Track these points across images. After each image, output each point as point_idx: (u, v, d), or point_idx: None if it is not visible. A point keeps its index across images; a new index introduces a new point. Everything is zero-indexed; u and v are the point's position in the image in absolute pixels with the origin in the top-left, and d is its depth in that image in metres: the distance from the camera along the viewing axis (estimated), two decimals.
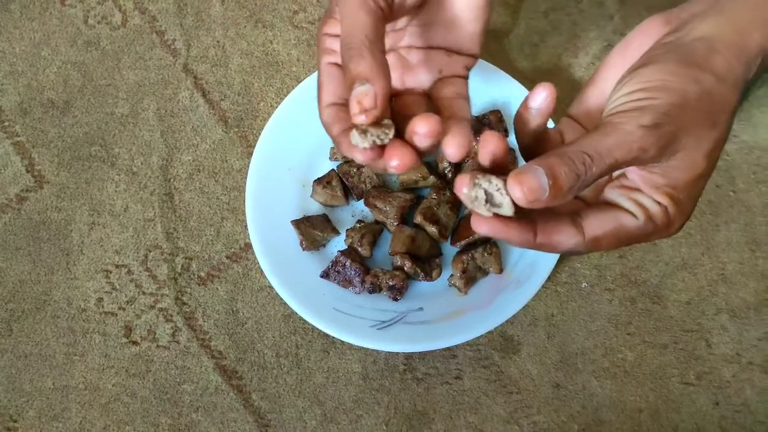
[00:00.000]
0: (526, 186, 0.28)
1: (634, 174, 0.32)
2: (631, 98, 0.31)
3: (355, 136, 0.31)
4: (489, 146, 0.30)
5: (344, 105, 0.33)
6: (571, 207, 0.34)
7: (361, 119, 0.30)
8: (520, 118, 0.33)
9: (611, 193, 0.33)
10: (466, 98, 0.38)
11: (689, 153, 0.31)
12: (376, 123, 0.31)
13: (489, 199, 0.29)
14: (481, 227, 0.30)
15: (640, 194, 0.32)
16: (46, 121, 0.62)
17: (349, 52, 0.31)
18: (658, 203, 0.32)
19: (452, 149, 0.32)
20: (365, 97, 0.30)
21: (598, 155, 0.28)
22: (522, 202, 0.28)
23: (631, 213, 0.32)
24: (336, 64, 0.35)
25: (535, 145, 0.34)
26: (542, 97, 0.31)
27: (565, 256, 0.56)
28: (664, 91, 0.30)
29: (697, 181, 0.32)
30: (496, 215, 0.30)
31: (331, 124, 0.34)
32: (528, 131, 0.33)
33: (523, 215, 0.30)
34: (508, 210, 0.29)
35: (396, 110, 0.36)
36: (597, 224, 0.32)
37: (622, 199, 0.32)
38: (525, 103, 0.32)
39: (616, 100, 0.31)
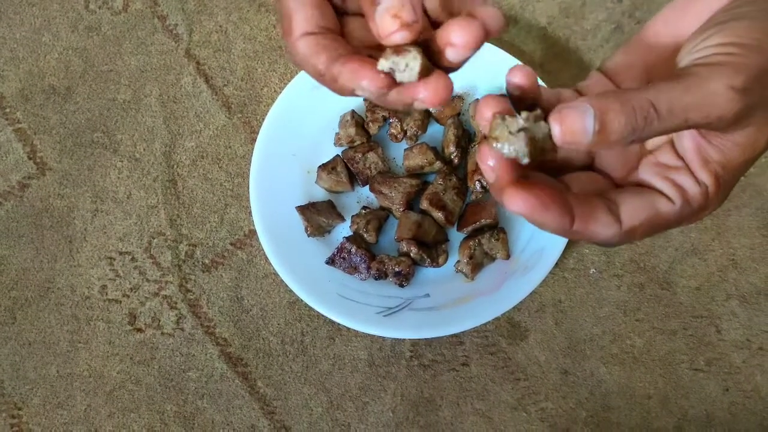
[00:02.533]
0: (567, 125, 0.24)
1: (689, 141, 0.28)
2: (722, 51, 0.25)
3: (386, 61, 0.25)
4: (516, 79, 0.26)
5: (325, 33, 0.28)
6: (598, 186, 0.30)
7: (400, 37, 0.25)
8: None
9: (645, 172, 0.30)
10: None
11: (756, 130, 0.27)
12: (398, 48, 0.25)
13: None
14: (515, 203, 0.26)
15: (680, 173, 0.29)
16: (47, 107, 0.61)
17: None
18: (698, 183, 0.28)
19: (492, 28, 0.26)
20: (403, 9, 0.24)
21: (668, 111, 0.24)
22: (557, 140, 0.24)
23: (668, 197, 0.28)
24: None
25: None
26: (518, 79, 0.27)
27: (573, 242, 0.55)
28: (758, 52, 0.25)
29: (748, 163, 0.28)
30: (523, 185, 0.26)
31: (313, 55, 0.27)
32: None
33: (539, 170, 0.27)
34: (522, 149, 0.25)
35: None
36: (633, 212, 0.28)
37: (658, 180, 0.29)
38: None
39: (699, 50, 0.26)
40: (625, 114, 0.24)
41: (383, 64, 0.25)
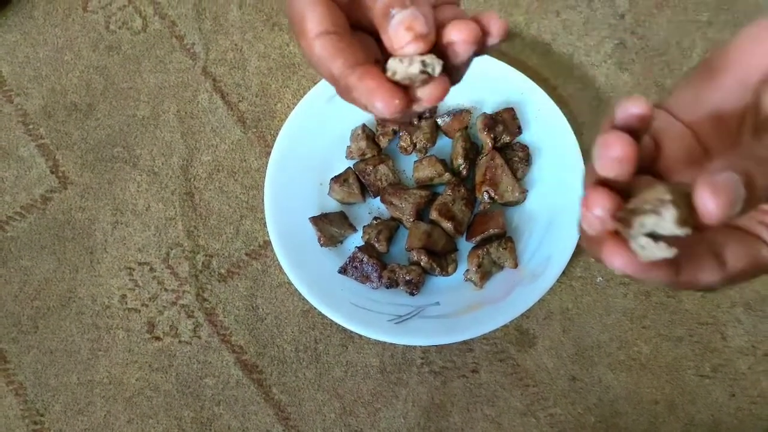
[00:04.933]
0: (723, 197, 0.20)
1: None
2: None
3: (398, 63, 0.25)
4: (613, 151, 0.23)
5: (341, 34, 0.27)
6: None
7: (413, 49, 0.25)
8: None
9: (747, 220, 0.27)
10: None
11: None
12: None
13: (652, 234, 0.22)
14: (618, 261, 0.23)
15: None
16: (69, 123, 0.63)
17: None
18: None
19: (493, 32, 0.27)
20: (416, 21, 0.24)
21: None
22: (712, 218, 0.21)
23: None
24: None
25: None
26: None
27: (579, 251, 0.56)
28: None
29: None
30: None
31: (329, 58, 0.26)
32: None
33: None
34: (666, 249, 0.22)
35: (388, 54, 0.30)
36: (737, 257, 0.26)
37: (756, 225, 0.27)
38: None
39: None
40: (765, 175, 0.21)
41: (397, 67, 0.25)
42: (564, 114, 0.58)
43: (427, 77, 0.25)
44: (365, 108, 0.27)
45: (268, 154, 0.59)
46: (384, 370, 0.55)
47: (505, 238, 0.54)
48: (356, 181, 0.57)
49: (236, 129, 0.62)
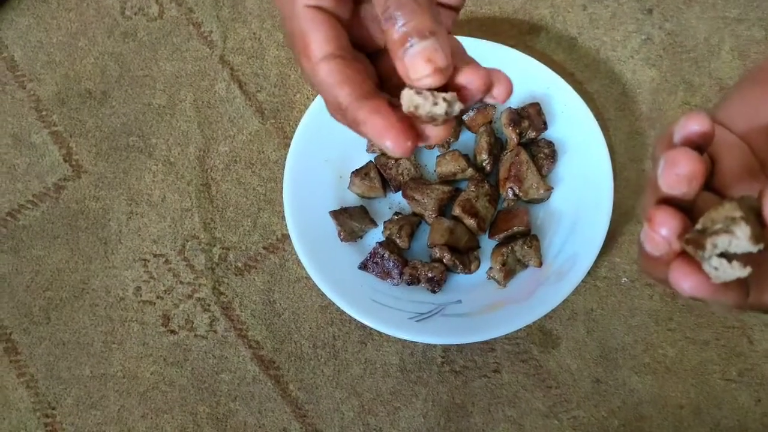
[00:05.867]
0: None
1: None
2: None
3: (420, 99, 0.24)
4: (681, 168, 0.22)
5: (347, 60, 0.26)
6: None
7: (430, 82, 0.24)
8: None
9: None
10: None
11: None
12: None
13: (725, 254, 0.21)
14: (687, 284, 0.22)
15: None
16: (83, 111, 0.62)
17: (398, 2, 0.24)
18: None
19: (499, 89, 0.27)
20: (437, 54, 0.24)
21: None
22: None
23: None
24: (323, 9, 0.26)
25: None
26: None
27: (605, 250, 0.55)
28: None
29: None
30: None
31: (336, 85, 0.26)
32: None
33: None
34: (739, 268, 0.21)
35: (384, 73, 0.29)
36: None
37: None
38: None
39: None
40: None
41: (420, 103, 0.24)
42: (590, 110, 0.56)
43: (445, 118, 0.25)
44: (371, 143, 0.26)
45: (287, 145, 0.58)
46: (404, 368, 0.54)
47: (531, 236, 0.53)
48: (377, 175, 0.56)
49: (254, 119, 0.61)
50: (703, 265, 0.22)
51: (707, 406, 0.52)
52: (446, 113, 0.24)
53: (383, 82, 0.29)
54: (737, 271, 0.21)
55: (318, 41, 0.26)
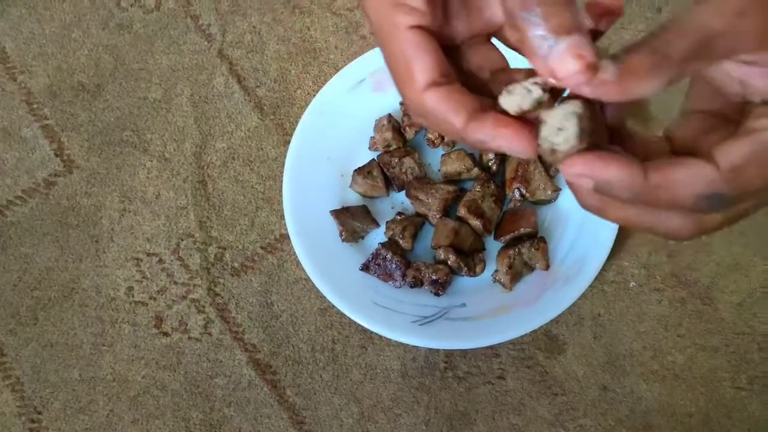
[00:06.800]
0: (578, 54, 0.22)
1: None
2: None
3: (519, 98, 0.25)
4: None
5: (453, 85, 0.26)
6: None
7: (578, 80, 0.24)
8: None
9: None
10: None
11: None
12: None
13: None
14: (573, 167, 0.24)
15: None
16: (76, 104, 0.60)
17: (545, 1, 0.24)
18: None
19: None
20: (585, 48, 0.23)
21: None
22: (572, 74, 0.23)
23: None
24: (424, 29, 0.26)
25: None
26: None
27: (613, 254, 0.53)
28: None
29: None
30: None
31: (452, 112, 0.25)
32: None
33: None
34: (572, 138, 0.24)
35: (473, 66, 0.29)
36: (732, 149, 0.24)
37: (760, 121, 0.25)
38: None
39: None
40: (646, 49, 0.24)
41: (521, 102, 0.25)
42: None
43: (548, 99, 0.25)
44: (490, 149, 0.26)
45: (287, 142, 0.56)
46: (405, 374, 0.52)
47: (538, 238, 0.52)
48: (380, 174, 0.55)
49: (253, 115, 0.59)
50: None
51: (717, 414, 0.51)
52: (543, 92, 0.25)
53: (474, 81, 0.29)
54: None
55: (421, 69, 0.26)
